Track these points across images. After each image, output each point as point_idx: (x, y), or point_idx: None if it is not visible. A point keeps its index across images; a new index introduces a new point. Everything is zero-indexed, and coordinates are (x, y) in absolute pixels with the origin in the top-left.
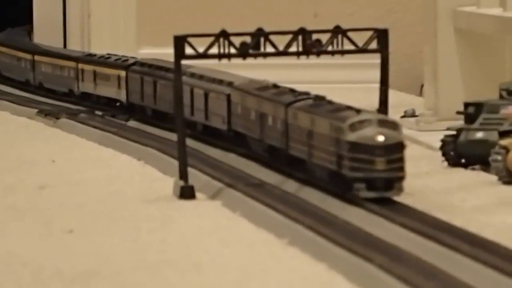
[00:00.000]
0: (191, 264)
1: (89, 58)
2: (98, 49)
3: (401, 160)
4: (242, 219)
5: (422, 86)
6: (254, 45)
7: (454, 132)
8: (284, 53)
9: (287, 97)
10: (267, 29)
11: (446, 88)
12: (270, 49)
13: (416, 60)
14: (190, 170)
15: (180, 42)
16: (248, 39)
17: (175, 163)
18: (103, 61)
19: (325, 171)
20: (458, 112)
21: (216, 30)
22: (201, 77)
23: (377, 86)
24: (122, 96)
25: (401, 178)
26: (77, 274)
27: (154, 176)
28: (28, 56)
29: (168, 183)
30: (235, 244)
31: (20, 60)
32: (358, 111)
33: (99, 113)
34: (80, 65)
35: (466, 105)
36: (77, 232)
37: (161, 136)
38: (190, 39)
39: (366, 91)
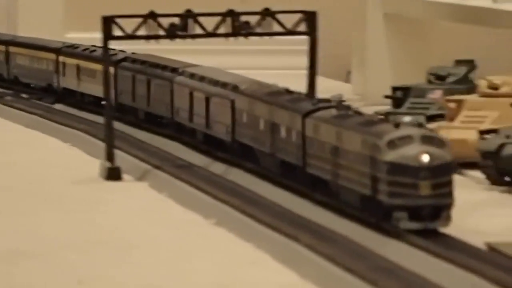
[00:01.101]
0: (120, 244)
1: (72, 51)
2: (25, 33)
3: (449, 184)
4: (170, 200)
5: (348, 72)
6: (182, 26)
7: (493, 146)
8: (213, 34)
9: (304, 105)
10: (195, 10)
11: (374, 73)
12: (199, 31)
13: (342, 47)
14: (117, 152)
15: (108, 23)
16: (176, 20)
17: (102, 145)
18: (88, 54)
19: (355, 195)
20: (386, 97)
21: (145, 12)
22: (202, 78)
23: (304, 72)
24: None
25: (449, 206)
26: (6, 253)
27: (81, 158)
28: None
29: (96, 165)
30: (163, 224)
31: None
32: (396, 124)
33: (25, 96)
34: (61, 58)
35: (394, 89)
36: (5, 213)
37: (88, 119)
38: (118, 21)
39: (293, 77)
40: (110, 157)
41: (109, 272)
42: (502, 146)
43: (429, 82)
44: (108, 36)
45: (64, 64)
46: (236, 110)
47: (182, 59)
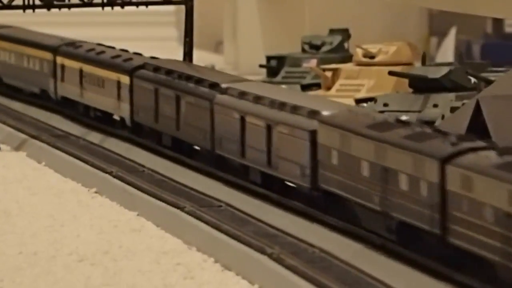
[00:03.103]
0: None
1: (73, 51)
2: None
3: None
4: (48, 169)
5: (218, 43)
6: None
7: None
8: (89, 4)
9: (436, 144)
10: None
11: (246, 43)
12: (75, 1)
13: (210, 18)
14: None
15: None
16: None
17: None
18: (95, 57)
19: None
20: (261, 66)
21: None
22: (258, 99)
23: (170, 44)
24: (124, 112)
25: None
26: None
27: None
28: None
29: None
30: (42, 193)
31: None
32: None
33: None
34: (60, 59)
35: (269, 58)
36: None
37: None
38: None
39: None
40: None
41: None
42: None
43: (304, 51)
44: None
45: (63, 67)
46: (319, 146)
47: (58, 32)
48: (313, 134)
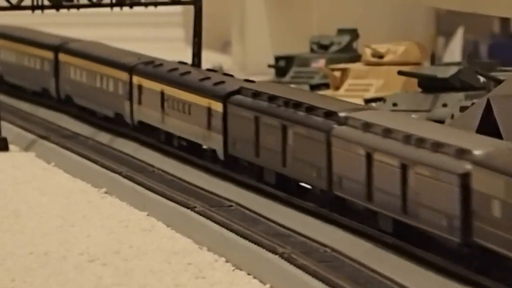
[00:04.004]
0: (9, 212)
1: (153, 70)
2: None
3: None
4: (57, 169)
5: (225, 43)
6: None
7: None
8: (98, 4)
9: None
10: None
11: (254, 43)
12: (84, 1)
13: (217, 18)
14: (2, 123)
15: None
16: None
17: None
18: (179, 78)
19: None
20: (270, 66)
21: None
22: (387, 132)
23: (177, 44)
24: (215, 144)
25: None
26: None
27: None
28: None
29: None
30: (52, 193)
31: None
32: None
33: None
34: (136, 79)
35: (277, 59)
36: None
37: None
38: None
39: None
40: None
41: None
42: None
43: (312, 51)
44: None
45: (140, 88)
46: (474, 194)
47: (66, 33)
48: (464, 178)
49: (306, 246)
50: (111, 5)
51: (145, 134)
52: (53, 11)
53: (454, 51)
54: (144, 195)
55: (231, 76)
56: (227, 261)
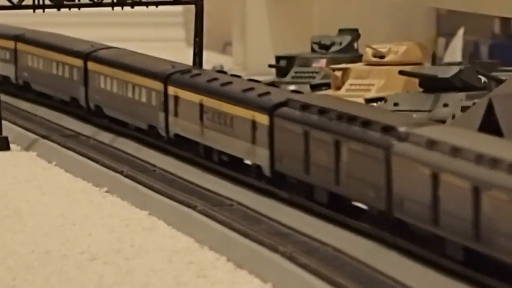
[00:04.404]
0: (10, 211)
1: (190, 80)
2: None
3: None
4: (59, 169)
5: (226, 43)
6: None
7: None
8: (99, 4)
9: None
10: None
11: (255, 43)
12: (86, 1)
13: (218, 19)
14: (3, 122)
15: None
16: None
17: None
18: (219, 88)
19: None
20: (270, 66)
21: None
22: (457, 151)
23: (178, 44)
24: (260, 159)
25: None
26: None
27: None
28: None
29: None
30: (53, 192)
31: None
32: None
33: None
34: (172, 89)
35: (278, 58)
36: None
37: None
38: None
39: (167, 49)
40: None
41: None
42: None
43: (313, 51)
44: None
45: (176, 99)
46: None
47: (67, 33)
48: None
49: (307, 245)
50: (112, 5)
51: (180, 147)
52: (54, 10)
53: (454, 51)
54: (145, 194)
55: (239, 77)
56: (228, 260)
